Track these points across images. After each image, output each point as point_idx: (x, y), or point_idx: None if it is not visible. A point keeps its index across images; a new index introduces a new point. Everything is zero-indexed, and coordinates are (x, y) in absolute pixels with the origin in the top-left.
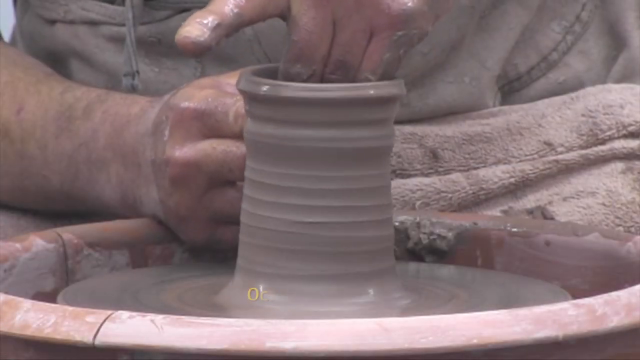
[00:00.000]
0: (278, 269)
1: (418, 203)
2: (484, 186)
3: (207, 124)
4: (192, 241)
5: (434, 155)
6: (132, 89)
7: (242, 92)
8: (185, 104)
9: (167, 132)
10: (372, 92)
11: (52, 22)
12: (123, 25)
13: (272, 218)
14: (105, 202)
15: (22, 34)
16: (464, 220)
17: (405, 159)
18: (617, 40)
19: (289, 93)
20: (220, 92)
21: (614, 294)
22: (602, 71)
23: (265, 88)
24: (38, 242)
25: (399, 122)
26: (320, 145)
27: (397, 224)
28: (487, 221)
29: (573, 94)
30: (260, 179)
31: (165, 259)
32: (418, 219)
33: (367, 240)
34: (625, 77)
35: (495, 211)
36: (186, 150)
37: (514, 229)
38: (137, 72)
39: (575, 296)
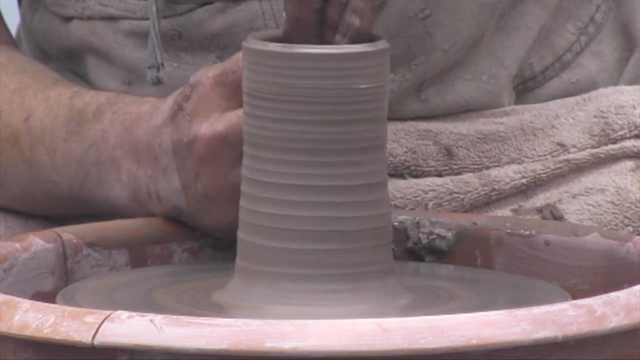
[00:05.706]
0: (277, 268)
1: (431, 204)
2: (495, 187)
3: (227, 84)
4: (217, 226)
5: (449, 153)
6: (157, 82)
7: (245, 51)
8: (205, 77)
9: (190, 112)
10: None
11: (68, 19)
12: (143, 19)
13: (269, 214)
14: (113, 203)
15: (31, 33)
16: (463, 220)
17: (420, 155)
18: (630, 42)
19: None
20: None
21: (613, 294)
22: (614, 72)
23: (270, 46)
24: (37, 241)
25: (415, 118)
26: (317, 130)
27: (396, 223)
28: (487, 221)
29: (585, 95)
30: (257, 177)
31: (164, 259)
32: (417, 219)
33: (365, 239)
34: (637, 78)
35: (505, 210)
36: (212, 123)
37: (514, 229)
38: (162, 64)
39: (575, 296)
